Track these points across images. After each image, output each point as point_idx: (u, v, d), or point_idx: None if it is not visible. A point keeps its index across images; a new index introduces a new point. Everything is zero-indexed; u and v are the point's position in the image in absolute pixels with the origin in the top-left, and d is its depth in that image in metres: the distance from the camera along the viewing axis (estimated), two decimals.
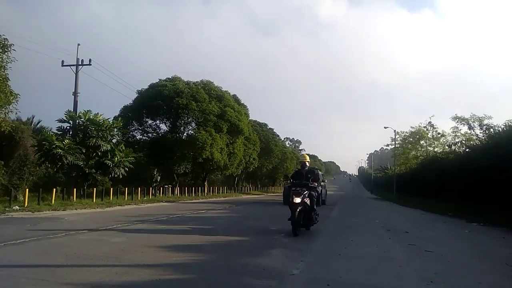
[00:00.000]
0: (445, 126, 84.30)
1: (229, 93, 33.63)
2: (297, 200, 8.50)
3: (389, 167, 61.21)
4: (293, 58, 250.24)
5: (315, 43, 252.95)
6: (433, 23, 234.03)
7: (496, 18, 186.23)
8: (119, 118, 23.92)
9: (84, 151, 18.99)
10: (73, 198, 17.26)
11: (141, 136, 30.47)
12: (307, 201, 8.87)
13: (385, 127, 43.31)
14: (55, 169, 20.00)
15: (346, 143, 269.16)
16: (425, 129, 38.05)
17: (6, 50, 14.39)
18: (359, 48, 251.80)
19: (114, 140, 21.34)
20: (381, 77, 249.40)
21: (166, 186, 29.48)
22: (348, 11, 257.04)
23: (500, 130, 19.75)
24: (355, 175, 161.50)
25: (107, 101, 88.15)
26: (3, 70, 14.43)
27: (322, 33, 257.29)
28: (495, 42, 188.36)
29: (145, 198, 22.88)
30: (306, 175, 9.37)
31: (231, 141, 31.86)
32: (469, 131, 28.63)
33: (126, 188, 22.50)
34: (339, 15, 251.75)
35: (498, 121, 25.83)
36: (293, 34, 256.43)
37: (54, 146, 17.57)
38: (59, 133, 19.54)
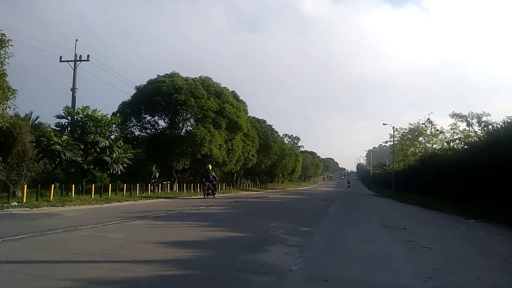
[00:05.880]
0: (443, 122, 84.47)
1: (227, 89, 33.46)
2: (207, 183, 23.45)
3: (387, 163, 61.26)
4: (289, 56, 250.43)
5: (306, 40, 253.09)
6: (419, 18, 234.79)
7: (484, 13, 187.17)
8: (118, 114, 23.80)
9: (82, 147, 18.92)
10: (72, 194, 17.22)
11: (139, 132, 30.29)
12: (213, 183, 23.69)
13: (383, 124, 43.23)
14: (53, 165, 19.93)
15: (345, 140, 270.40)
16: (423, 125, 38.11)
17: (3, 45, 14.26)
18: (353, 46, 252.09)
19: (112, 136, 21.24)
20: (377, 74, 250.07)
21: (165, 182, 29.41)
22: (333, 7, 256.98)
23: (499, 127, 19.76)
24: (354, 176, 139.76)
25: (105, 97, 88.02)
26: (0, 65, 14.32)
27: (313, 30, 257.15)
28: (484, 37, 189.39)
29: (143, 194, 22.85)
30: (209, 174, 24.01)
31: (230, 138, 31.75)
32: (467, 128, 28.68)
33: (125, 184, 22.46)
34: (325, 11, 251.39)
35: (492, 117, 25.76)
36: (285, 31, 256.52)
37: (52, 142, 17.50)
38: (57, 129, 19.45)
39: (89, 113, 19.74)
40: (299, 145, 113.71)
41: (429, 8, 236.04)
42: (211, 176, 23.99)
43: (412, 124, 40.19)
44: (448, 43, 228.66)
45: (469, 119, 27.85)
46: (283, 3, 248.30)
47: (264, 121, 52.90)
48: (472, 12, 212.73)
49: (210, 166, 25.85)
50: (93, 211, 13.01)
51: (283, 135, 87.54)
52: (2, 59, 14.35)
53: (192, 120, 29.71)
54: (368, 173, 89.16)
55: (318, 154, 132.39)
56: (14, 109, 16.11)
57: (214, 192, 24.48)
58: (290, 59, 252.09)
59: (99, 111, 20.12)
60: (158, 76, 30.51)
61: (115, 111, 27.86)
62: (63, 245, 6.16)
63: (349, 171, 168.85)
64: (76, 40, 22.46)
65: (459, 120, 29.46)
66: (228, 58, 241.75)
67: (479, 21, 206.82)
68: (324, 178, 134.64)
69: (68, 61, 22.08)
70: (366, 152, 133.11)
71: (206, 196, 23.10)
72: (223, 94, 31.55)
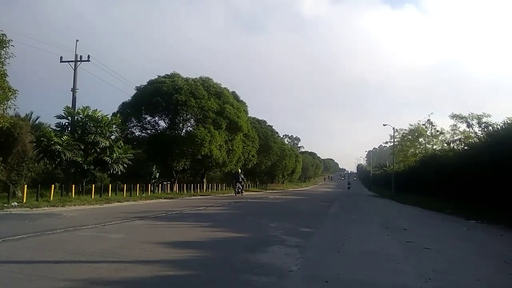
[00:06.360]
0: (443, 123, 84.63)
1: (228, 89, 33.45)
2: (237, 183, 29.63)
3: (387, 164, 61.24)
4: (289, 56, 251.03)
5: (306, 40, 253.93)
6: (418, 18, 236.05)
7: (484, 13, 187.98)
8: (118, 115, 23.80)
9: (82, 147, 18.91)
10: (72, 195, 17.21)
11: (140, 133, 30.29)
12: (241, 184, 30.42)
13: (384, 125, 43.09)
14: (53, 165, 19.92)
15: (345, 140, 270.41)
16: (424, 126, 38.13)
17: (4, 45, 14.28)
18: (352, 46, 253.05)
19: (112, 137, 21.24)
20: (377, 74, 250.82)
21: (165, 182, 29.40)
22: (332, 7, 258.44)
23: (499, 128, 19.78)
24: (354, 176, 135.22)
25: (105, 98, 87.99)
26: (1, 65, 14.33)
27: (313, 30, 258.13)
28: (483, 37, 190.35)
29: (143, 194, 22.83)
30: (238, 176, 30.28)
31: (230, 138, 31.75)
32: (467, 129, 28.70)
33: (125, 185, 22.44)
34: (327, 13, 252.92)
35: (492, 118, 25.84)
36: (285, 32, 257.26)
37: (52, 142, 17.50)
38: (57, 129, 19.44)
39: (90, 113, 19.73)
40: (299, 145, 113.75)
41: (428, 8, 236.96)
42: (240, 178, 29.84)
43: (412, 125, 40.26)
44: (448, 43, 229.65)
45: (469, 120, 27.91)
46: (282, 3, 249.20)
47: (264, 122, 52.92)
48: (471, 13, 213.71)
49: (240, 170, 32.29)
50: (93, 211, 13.02)
51: (283, 135, 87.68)
52: (2, 59, 14.37)
53: (192, 121, 29.72)
54: (368, 173, 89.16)
55: (318, 155, 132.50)
56: (14, 109, 16.15)
57: (242, 191, 30.13)
58: (290, 59, 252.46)
59: (99, 112, 20.12)
60: (159, 76, 30.51)
61: (116, 111, 27.87)
62: (63, 245, 6.16)
63: (349, 172, 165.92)
64: (77, 40, 22.47)
65: (459, 121, 29.54)
66: (228, 58, 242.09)
67: (478, 22, 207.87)
68: (325, 178, 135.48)
69: (68, 61, 22.09)
70: (366, 152, 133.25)
71: (236, 194, 28.65)
72: (224, 94, 31.54)
